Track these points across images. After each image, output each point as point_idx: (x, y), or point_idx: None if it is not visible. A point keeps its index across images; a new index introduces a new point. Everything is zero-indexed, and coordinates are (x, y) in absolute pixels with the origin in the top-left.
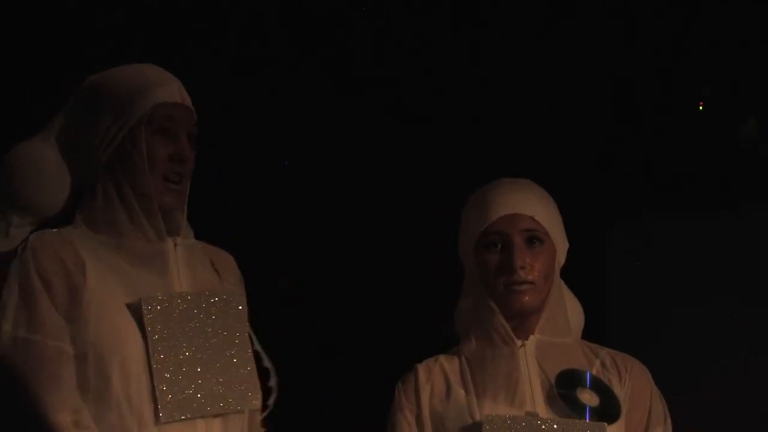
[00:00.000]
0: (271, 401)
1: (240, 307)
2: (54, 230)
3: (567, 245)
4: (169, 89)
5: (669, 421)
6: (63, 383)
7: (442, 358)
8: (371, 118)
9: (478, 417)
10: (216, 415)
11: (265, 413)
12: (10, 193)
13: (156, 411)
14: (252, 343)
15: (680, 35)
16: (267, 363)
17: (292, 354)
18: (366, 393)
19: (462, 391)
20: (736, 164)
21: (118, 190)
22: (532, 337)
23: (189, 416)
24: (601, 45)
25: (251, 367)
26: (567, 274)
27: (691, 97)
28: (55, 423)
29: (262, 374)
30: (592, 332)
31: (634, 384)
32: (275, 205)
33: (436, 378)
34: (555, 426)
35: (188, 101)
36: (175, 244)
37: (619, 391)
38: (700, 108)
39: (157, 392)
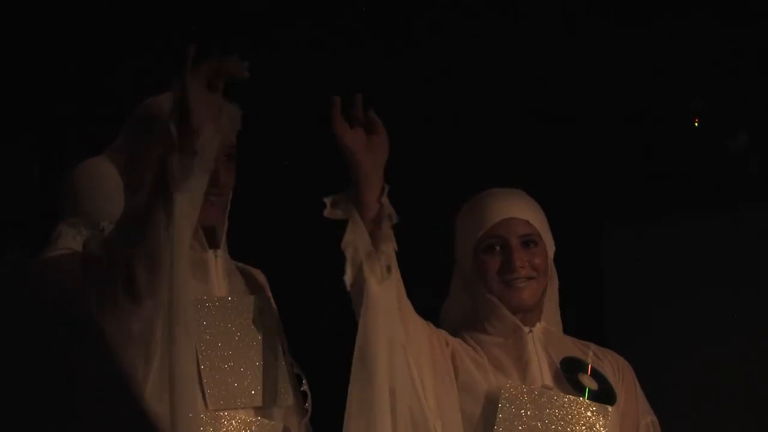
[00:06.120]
0: (307, 405)
1: (272, 316)
2: None
3: (554, 249)
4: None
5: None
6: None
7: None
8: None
9: (494, 386)
10: (255, 408)
11: (307, 416)
12: (77, 203)
13: (204, 400)
14: (285, 352)
15: (675, 37)
16: (297, 370)
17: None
18: None
19: (475, 365)
20: (733, 165)
21: None
22: (538, 324)
23: (230, 406)
24: (597, 46)
25: (283, 369)
26: (565, 272)
27: (687, 99)
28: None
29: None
30: (591, 331)
31: (624, 376)
32: (275, 205)
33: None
34: (566, 399)
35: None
36: (216, 256)
37: (614, 381)
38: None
39: (204, 385)
